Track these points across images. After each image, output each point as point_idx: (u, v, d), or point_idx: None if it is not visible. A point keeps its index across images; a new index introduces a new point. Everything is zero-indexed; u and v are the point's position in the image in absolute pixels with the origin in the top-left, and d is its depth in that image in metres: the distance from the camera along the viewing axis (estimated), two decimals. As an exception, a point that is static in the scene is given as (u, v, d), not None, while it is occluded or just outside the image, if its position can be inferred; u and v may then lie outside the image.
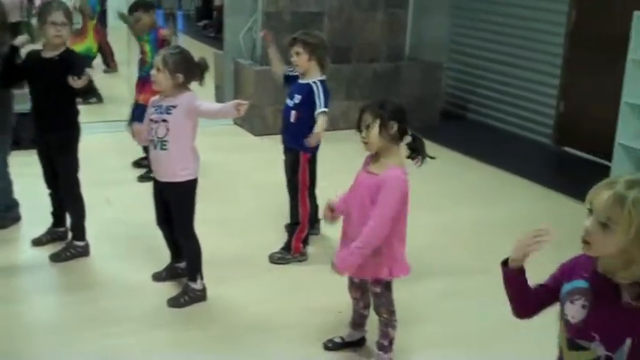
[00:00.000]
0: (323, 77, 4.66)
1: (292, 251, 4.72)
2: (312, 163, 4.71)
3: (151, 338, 3.80)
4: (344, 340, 3.72)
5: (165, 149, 3.93)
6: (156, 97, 4.06)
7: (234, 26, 8.17)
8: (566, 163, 7.37)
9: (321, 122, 4.53)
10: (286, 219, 4.94)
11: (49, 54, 4.42)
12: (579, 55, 7.44)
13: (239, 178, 6.34)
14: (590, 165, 7.13)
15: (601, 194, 1.98)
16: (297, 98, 4.63)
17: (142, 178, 6.17)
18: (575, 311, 2.09)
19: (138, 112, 6.17)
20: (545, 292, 2.25)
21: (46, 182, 4.69)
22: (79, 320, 3.96)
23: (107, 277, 4.48)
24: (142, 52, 6.24)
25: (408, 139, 3.32)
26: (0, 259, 4.73)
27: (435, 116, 8.61)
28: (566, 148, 7.65)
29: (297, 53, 4.58)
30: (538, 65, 7.90)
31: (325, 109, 4.57)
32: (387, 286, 3.43)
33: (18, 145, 6.17)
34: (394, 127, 3.24)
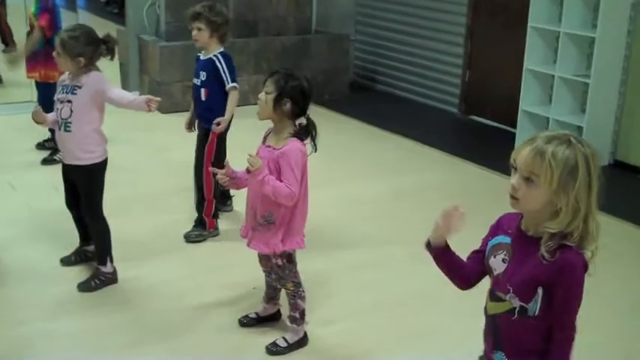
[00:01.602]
0: (222, 49, 4.60)
1: (207, 227, 4.67)
2: (221, 140, 4.65)
3: (62, 324, 3.70)
4: (259, 316, 3.72)
5: (68, 131, 3.81)
6: (64, 75, 3.93)
7: (137, 2, 7.95)
8: (473, 132, 7.52)
9: (231, 102, 4.53)
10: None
11: None
12: (482, 24, 7.57)
13: (147, 156, 6.21)
14: (497, 132, 7.30)
15: (522, 151, 2.04)
16: (203, 75, 4.57)
17: (46, 161, 5.98)
18: (497, 264, 2.18)
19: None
20: (480, 258, 2.28)
21: None
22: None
23: (14, 263, 4.32)
24: (30, 25, 5.99)
25: (302, 120, 3.29)
26: None
27: (344, 88, 8.63)
28: (473, 117, 7.80)
29: (199, 29, 4.51)
30: (443, 35, 8.00)
31: (234, 84, 4.53)
32: (289, 258, 3.43)
33: None
34: (287, 104, 3.23)
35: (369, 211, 5.24)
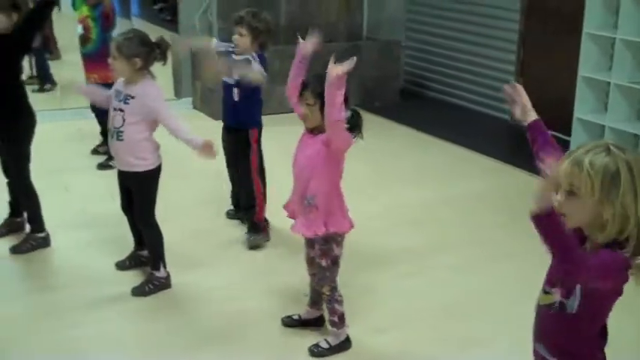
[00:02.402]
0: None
1: (263, 232, 4.70)
2: (259, 142, 4.66)
3: (116, 328, 3.76)
4: (301, 318, 3.74)
5: (121, 139, 3.87)
6: (119, 81, 3.98)
7: (189, 9, 8.06)
8: (525, 139, 7.38)
9: (256, 68, 4.46)
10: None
11: None
12: (535, 30, 7.48)
13: (198, 163, 6.26)
14: (549, 139, 7.19)
15: (562, 165, 2.01)
16: (237, 75, 4.54)
17: (102, 166, 6.09)
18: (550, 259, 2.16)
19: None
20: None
21: (3, 170, 4.59)
22: (41, 311, 3.90)
23: (69, 267, 4.42)
24: (85, 28, 6.07)
25: (347, 113, 3.28)
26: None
27: (395, 95, 8.62)
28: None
29: (241, 34, 4.50)
30: (495, 42, 7.93)
31: (264, 73, 4.50)
32: (335, 260, 3.43)
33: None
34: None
35: (417, 219, 5.21)
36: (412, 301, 4.07)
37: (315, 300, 3.70)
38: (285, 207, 3.52)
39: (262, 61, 4.55)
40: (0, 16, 4.21)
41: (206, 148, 3.78)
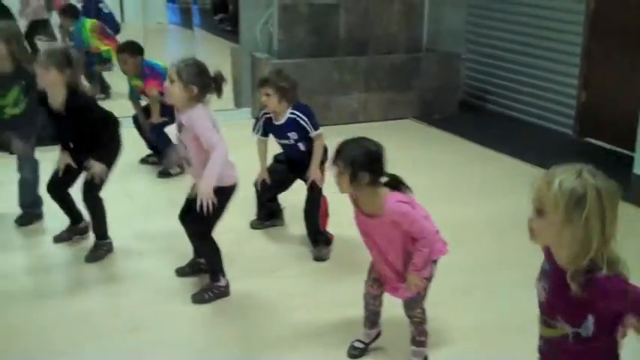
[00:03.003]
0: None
1: (328, 246, 4.73)
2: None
3: (175, 334, 3.80)
4: (365, 344, 3.65)
5: (191, 165, 3.97)
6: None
7: (251, 19, 8.14)
8: (588, 154, 7.28)
9: (317, 151, 4.59)
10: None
11: (54, 103, 4.46)
12: (599, 44, 7.35)
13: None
14: (613, 155, 7.06)
15: (538, 183, 2.08)
16: (294, 135, 4.62)
17: (162, 174, 6.17)
18: (539, 292, 2.26)
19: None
20: None
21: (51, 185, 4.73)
22: (102, 316, 3.97)
23: (131, 272, 4.48)
24: (142, 93, 6.33)
25: (383, 179, 3.23)
26: (23, 257, 4.76)
27: (454, 107, 8.56)
28: (588, 139, 7.57)
29: (268, 95, 4.54)
30: (557, 55, 7.82)
31: (319, 132, 4.60)
32: (429, 279, 3.40)
33: (38, 142, 6.21)
34: (365, 177, 3.14)
35: (474, 233, 5.14)
36: (471, 317, 4.02)
37: (374, 321, 3.63)
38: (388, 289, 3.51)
39: (305, 112, 4.60)
40: (53, 72, 4.30)
41: (205, 196, 3.76)
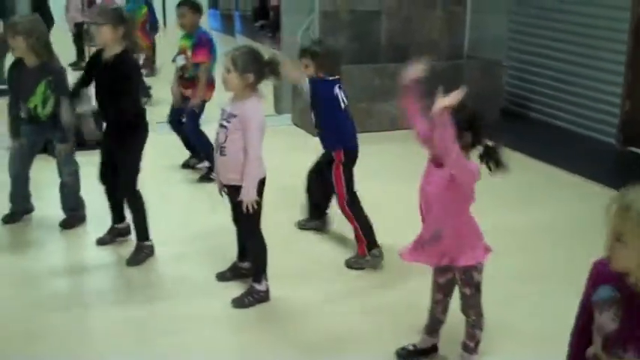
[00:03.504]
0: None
1: (360, 253, 4.68)
2: (346, 165, 4.62)
3: (215, 338, 3.83)
4: (416, 347, 3.64)
5: (224, 155, 3.95)
6: (228, 99, 4.05)
7: (292, 26, 8.17)
8: (633, 164, 7.18)
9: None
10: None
11: (106, 55, 4.51)
12: (645, 52, 7.25)
13: (296, 179, 6.32)
14: (657, 165, 6.95)
15: (612, 207, 1.98)
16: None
17: (203, 179, 6.22)
18: (606, 321, 2.09)
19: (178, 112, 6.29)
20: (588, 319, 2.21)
21: (101, 177, 4.77)
22: (144, 318, 4.02)
23: (171, 276, 4.53)
24: (187, 58, 6.19)
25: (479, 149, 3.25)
26: (66, 259, 4.83)
27: (495, 115, 8.48)
28: (632, 148, 7.46)
29: (306, 66, 4.54)
30: (601, 63, 7.71)
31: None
32: (477, 287, 3.40)
33: (83, 145, 6.31)
34: (468, 137, 3.19)
35: (514, 242, 5.07)
36: (515, 325, 3.99)
37: (434, 328, 3.62)
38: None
39: (322, 86, 4.52)
40: (105, 27, 4.39)
41: (250, 201, 3.87)
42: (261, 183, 4.01)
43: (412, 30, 8.16)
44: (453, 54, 8.39)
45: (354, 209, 4.61)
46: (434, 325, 3.60)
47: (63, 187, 5.17)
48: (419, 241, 3.39)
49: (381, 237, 4.65)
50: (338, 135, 4.60)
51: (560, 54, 8.24)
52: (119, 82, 4.41)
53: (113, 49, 4.44)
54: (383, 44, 8.05)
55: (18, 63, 4.90)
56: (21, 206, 5.25)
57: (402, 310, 3.94)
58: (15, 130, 5.01)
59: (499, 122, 8.33)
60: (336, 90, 4.57)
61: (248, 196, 3.87)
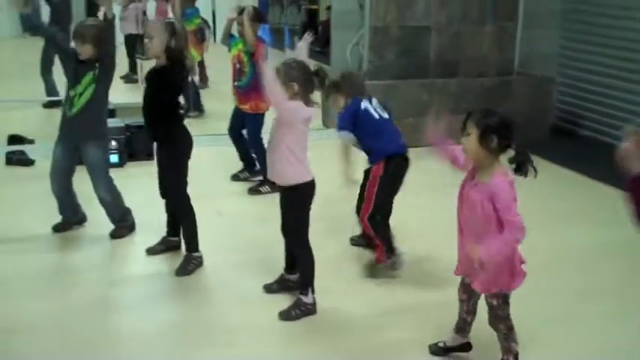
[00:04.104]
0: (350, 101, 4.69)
1: (377, 262, 4.69)
2: (381, 176, 4.62)
3: (262, 350, 3.84)
4: (446, 345, 3.73)
5: (271, 150, 4.04)
6: None
7: (342, 41, 8.22)
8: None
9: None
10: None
11: (154, 66, 4.63)
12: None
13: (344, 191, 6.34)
14: None
15: None
16: None
17: (252, 191, 6.27)
18: None
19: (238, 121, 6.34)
20: None
21: (160, 191, 4.82)
22: (192, 329, 4.04)
23: (220, 287, 4.56)
24: (240, 62, 6.24)
25: (510, 153, 3.27)
26: (116, 268, 4.90)
27: (545, 132, 8.40)
28: (686, 167, 7.30)
29: (335, 99, 4.70)
30: (656, 80, 7.60)
31: (338, 133, 4.67)
32: (505, 299, 3.39)
33: (133, 157, 6.43)
34: (494, 140, 3.21)
35: (563, 261, 5.02)
36: (558, 346, 3.93)
37: (461, 327, 3.67)
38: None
39: (350, 107, 4.64)
40: (157, 39, 4.48)
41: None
42: (309, 186, 4.04)
43: (461, 45, 8.13)
44: (502, 70, 8.34)
45: (373, 223, 4.63)
46: (461, 324, 3.66)
47: (102, 203, 5.19)
48: (465, 267, 3.46)
49: (427, 250, 4.64)
50: (377, 147, 4.62)
51: (611, 70, 8.13)
52: (159, 93, 4.52)
53: (162, 62, 4.53)
54: (432, 60, 8.04)
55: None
56: (70, 217, 5.33)
57: (449, 320, 3.92)
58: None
59: (549, 140, 8.25)
60: (364, 104, 4.64)
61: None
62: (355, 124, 4.60)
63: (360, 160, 4.80)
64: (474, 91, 8.09)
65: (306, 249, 4.12)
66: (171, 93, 4.58)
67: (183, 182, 4.66)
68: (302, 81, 3.94)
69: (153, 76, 4.59)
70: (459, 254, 3.49)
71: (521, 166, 3.24)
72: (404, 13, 7.82)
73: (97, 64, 4.88)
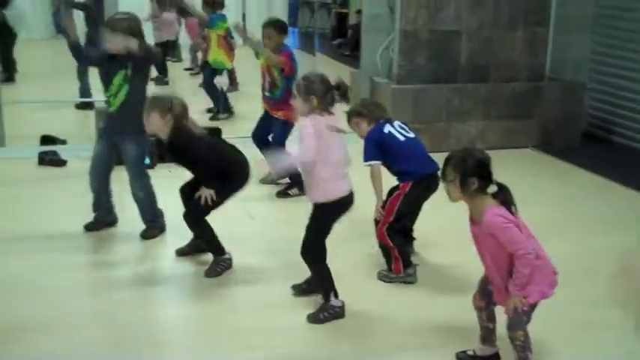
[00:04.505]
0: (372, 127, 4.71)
1: (394, 272, 4.68)
2: (405, 195, 4.61)
3: (291, 353, 3.85)
4: (475, 354, 3.70)
5: (305, 170, 4.07)
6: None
7: (372, 45, 8.22)
8: None
9: (375, 186, 4.64)
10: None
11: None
12: None
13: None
14: None
15: None
16: None
17: (280, 194, 6.28)
18: None
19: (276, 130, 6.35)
20: None
21: (182, 189, 4.88)
22: (219, 330, 4.07)
23: (248, 289, 4.58)
24: (270, 75, 6.24)
25: (493, 188, 3.31)
26: (145, 268, 4.94)
27: (577, 138, 8.33)
28: None
29: (357, 123, 4.74)
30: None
31: (365, 163, 4.63)
32: (532, 306, 3.38)
33: (163, 159, 6.47)
34: (475, 183, 3.27)
35: (596, 267, 4.97)
36: (593, 353, 3.90)
37: (485, 336, 3.66)
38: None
39: (366, 142, 4.69)
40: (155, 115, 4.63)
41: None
42: (339, 204, 4.07)
43: (492, 50, 8.09)
44: (533, 75, 8.28)
45: (391, 233, 4.63)
46: (485, 334, 3.65)
47: (136, 201, 5.27)
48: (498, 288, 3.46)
49: (451, 257, 4.61)
50: (407, 169, 4.63)
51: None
52: (188, 162, 4.71)
53: (163, 134, 4.68)
54: (462, 64, 8.01)
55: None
56: (103, 216, 5.40)
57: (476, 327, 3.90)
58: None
59: (580, 145, 8.18)
60: (387, 128, 4.67)
61: (274, 167, 4.06)
62: (382, 150, 4.62)
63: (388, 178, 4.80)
64: (504, 96, 8.04)
65: (313, 262, 4.13)
66: (190, 156, 4.68)
67: (211, 208, 4.67)
68: (321, 95, 3.98)
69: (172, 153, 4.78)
70: (488, 280, 3.53)
71: (504, 203, 3.30)
72: (434, 17, 7.80)
73: (128, 64, 4.93)
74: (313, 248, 4.09)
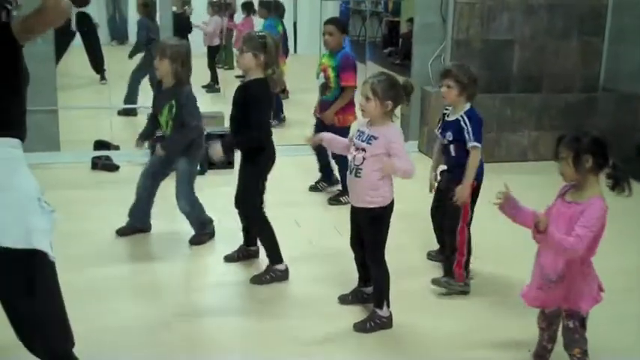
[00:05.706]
0: (469, 107, 4.52)
1: (456, 278, 4.59)
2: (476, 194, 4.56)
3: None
4: None
5: (359, 177, 3.98)
6: (362, 122, 4.13)
7: (423, 54, 8.17)
8: None
9: (471, 163, 4.41)
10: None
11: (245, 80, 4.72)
12: None
13: (422, 205, 6.29)
14: None
15: None
16: (449, 135, 4.52)
17: (332, 201, 6.28)
18: None
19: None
20: None
21: (235, 200, 4.82)
22: (265, 338, 4.07)
23: (296, 297, 4.58)
24: (326, 77, 6.21)
25: (607, 170, 3.26)
26: (194, 274, 4.98)
27: (631, 150, 8.14)
28: None
29: (448, 86, 4.48)
30: None
31: (476, 144, 4.42)
32: (582, 322, 3.34)
33: (213, 165, 6.54)
34: (589, 160, 3.21)
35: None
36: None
37: (540, 354, 3.62)
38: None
39: (472, 119, 4.45)
40: (248, 55, 4.55)
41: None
42: (389, 208, 4.04)
43: (545, 60, 7.98)
44: (587, 86, 8.14)
45: (467, 234, 4.57)
46: (540, 352, 3.62)
47: (183, 213, 5.27)
48: (534, 285, 3.42)
49: (506, 268, 4.55)
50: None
51: None
52: (243, 108, 4.56)
53: (253, 76, 4.59)
54: (515, 74, 7.92)
55: (160, 83, 5.14)
56: (138, 221, 5.43)
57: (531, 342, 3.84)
58: (143, 137, 5.36)
59: (636, 158, 8.00)
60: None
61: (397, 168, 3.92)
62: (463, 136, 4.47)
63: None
64: (557, 107, 7.92)
65: (381, 264, 4.10)
66: (252, 108, 4.55)
67: (255, 196, 4.67)
68: (395, 99, 3.94)
69: (240, 91, 4.65)
70: (533, 271, 3.47)
71: (618, 182, 3.24)
72: (487, 27, 7.73)
73: (173, 101, 4.98)
74: (380, 253, 4.08)
